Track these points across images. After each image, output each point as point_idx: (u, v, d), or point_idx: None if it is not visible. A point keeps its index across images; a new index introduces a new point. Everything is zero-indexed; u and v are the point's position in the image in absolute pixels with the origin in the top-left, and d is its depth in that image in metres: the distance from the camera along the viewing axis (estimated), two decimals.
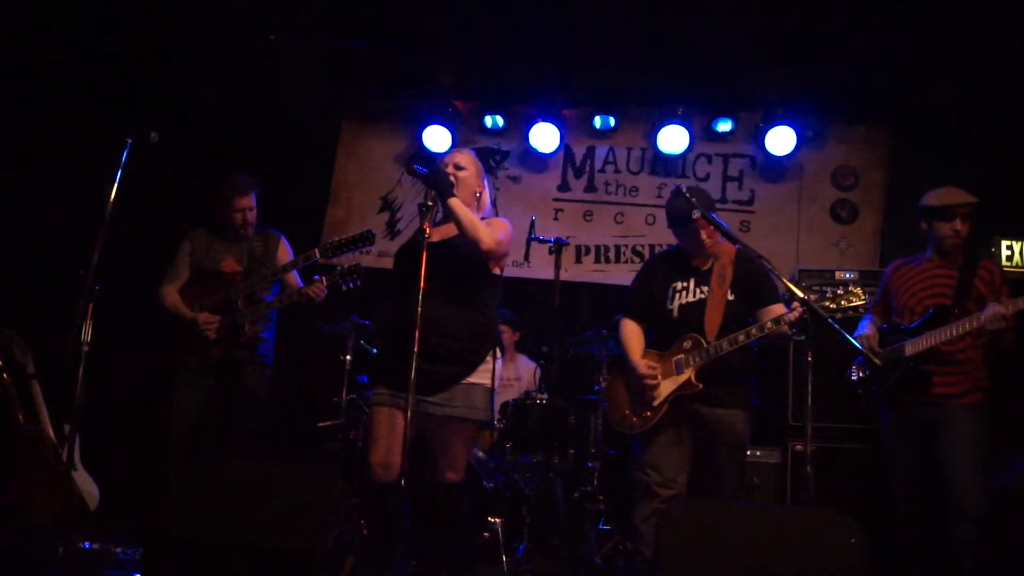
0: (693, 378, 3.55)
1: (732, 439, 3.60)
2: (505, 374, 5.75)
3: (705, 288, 3.66)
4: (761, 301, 3.65)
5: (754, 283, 3.67)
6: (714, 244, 3.71)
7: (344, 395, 5.08)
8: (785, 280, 3.31)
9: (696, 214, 3.55)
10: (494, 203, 6.45)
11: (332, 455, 4.95)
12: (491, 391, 3.46)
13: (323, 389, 5.37)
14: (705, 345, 3.55)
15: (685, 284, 3.72)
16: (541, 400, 4.88)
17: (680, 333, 3.65)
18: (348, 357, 5.05)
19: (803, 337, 3.40)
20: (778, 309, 3.57)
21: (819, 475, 3.98)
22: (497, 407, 4.86)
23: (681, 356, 3.61)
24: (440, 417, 3.35)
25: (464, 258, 3.45)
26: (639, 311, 3.86)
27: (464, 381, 3.37)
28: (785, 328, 3.45)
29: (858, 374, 4.19)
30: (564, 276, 4.76)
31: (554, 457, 4.72)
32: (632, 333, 3.83)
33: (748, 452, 4.13)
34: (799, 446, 4.95)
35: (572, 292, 6.25)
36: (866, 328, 4.16)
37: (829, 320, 3.20)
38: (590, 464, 4.88)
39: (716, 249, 3.73)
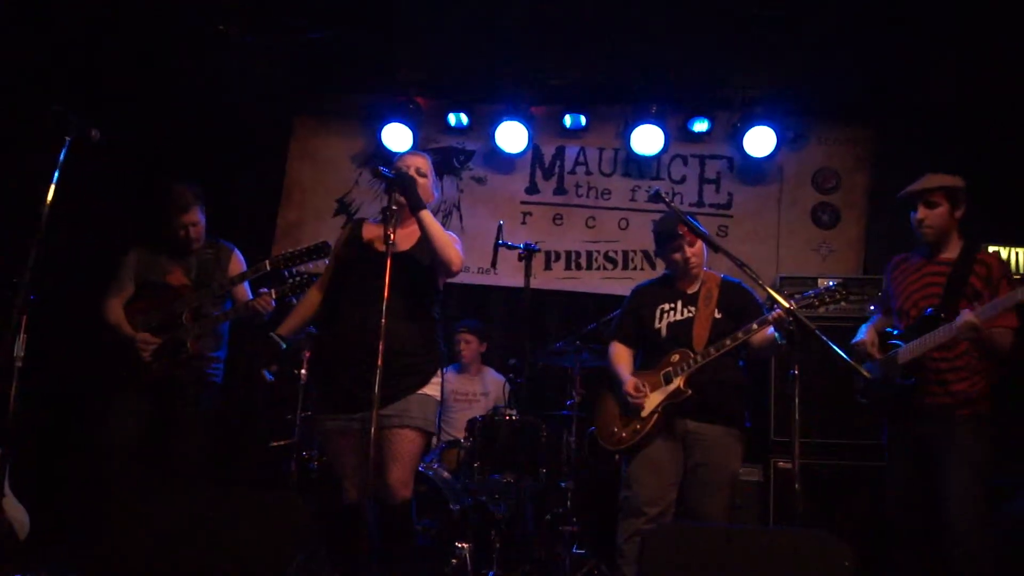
0: (682, 385, 3.71)
1: (723, 458, 3.73)
2: (471, 388, 5.75)
3: (692, 308, 3.89)
4: (747, 320, 3.77)
5: (740, 305, 3.87)
6: (699, 265, 3.94)
7: (298, 412, 5.03)
8: (770, 290, 3.37)
9: (682, 228, 3.77)
10: (457, 206, 6.57)
11: (287, 477, 4.90)
12: (439, 403, 3.57)
13: (275, 406, 5.31)
14: (693, 355, 3.74)
15: (672, 305, 3.93)
16: (510, 416, 4.87)
17: (668, 350, 3.83)
18: (303, 371, 5.00)
19: (785, 341, 3.49)
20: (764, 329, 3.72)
21: (803, 493, 4.01)
22: (463, 423, 4.89)
23: (669, 368, 3.78)
24: (396, 428, 3.38)
25: (418, 269, 3.54)
26: (628, 334, 4.05)
27: (419, 392, 3.45)
28: (770, 335, 3.64)
29: (861, 382, 4.03)
30: (533, 284, 4.77)
31: (525, 477, 4.72)
32: (621, 354, 4.03)
33: None
34: (782, 463, 5.00)
35: (541, 300, 6.27)
36: (864, 333, 4.05)
37: (816, 332, 3.24)
38: (563, 484, 4.88)
39: (701, 272, 3.97)
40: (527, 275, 4.86)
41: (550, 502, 5.00)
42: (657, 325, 3.90)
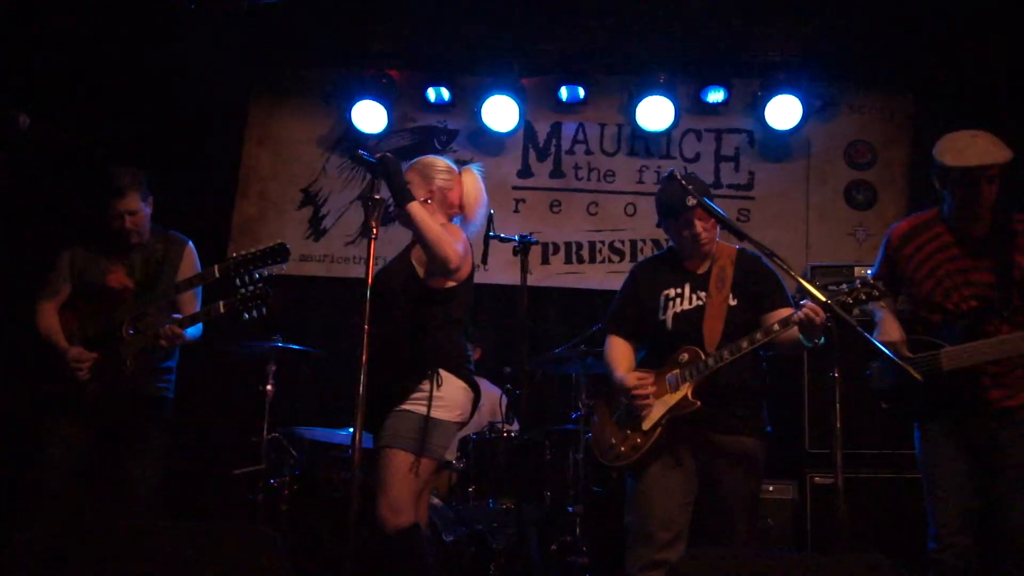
0: (690, 395, 3.55)
1: (743, 470, 3.61)
2: None
3: (702, 293, 3.70)
4: (768, 306, 3.67)
5: (759, 285, 3.71)
6: (711, 241, 3.76)
7: (265, 434, 5.01)
8: (802, 280, 3.32)
9: (692, 201, 3.58)
10: None
11: (253, 508, 4.89)
12: (426, 419, 3.51)
13: (239, 427, 5.30)
14: (704, 357, 3.58)
15: (679, 291, 3.75)
16: (508, 432, 4.87)
17: (675, 347, 3.67)
18: (269, 387, 4.99)
19: (812, 344, 3.45)
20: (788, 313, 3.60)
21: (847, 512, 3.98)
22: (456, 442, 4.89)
23: (676, 371, 3.62)
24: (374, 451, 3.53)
25: (401, 276, 3.61)
26: (625, 326, 3.90)
27: (397, 409, 3.52)
28: (796, 333, 3.46)
29: (881, 382, 3.96)
30: (529, 281, 4.77)
31: (527, 502, 4.73)
32: (618, 350, 3.87)
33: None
34: (819, 477, 5.00)
35: (538, 300, 6.26)
36: (893, 330, 3.83)
37: (859, 329, 3.23)
38: (571, 509, 4.89)
39: (713, 248, 3.79)
40: (523, 271, 4.85)
41: (556, 530, 4.97)
42: (661, 317, 3.72)
